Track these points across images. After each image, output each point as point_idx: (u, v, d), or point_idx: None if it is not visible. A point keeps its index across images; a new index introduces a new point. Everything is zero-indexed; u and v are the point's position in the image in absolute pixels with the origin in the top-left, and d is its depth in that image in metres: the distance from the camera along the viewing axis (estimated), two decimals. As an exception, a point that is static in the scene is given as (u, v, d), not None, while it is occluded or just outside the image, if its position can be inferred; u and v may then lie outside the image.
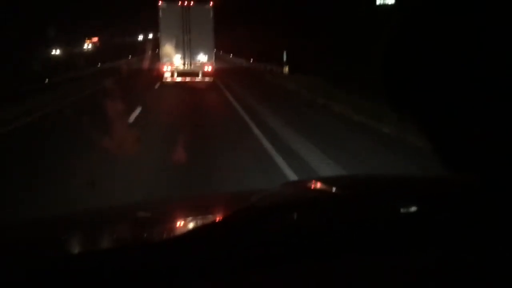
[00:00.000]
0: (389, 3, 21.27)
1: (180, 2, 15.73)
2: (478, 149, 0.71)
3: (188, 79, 16.20)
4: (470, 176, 0.81)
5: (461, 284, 0.67)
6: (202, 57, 16.16)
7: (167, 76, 16.19)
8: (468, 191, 0.88)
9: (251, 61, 30.39)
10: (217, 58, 33.02)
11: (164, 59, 16.13)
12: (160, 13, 15.78)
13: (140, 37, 72.28)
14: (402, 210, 0.99)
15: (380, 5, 22.29)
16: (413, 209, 1.01)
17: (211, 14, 15.87)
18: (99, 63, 29.50)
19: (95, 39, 60.21)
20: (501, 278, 0.67)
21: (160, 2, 15.74)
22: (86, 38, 56.60)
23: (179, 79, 16.21)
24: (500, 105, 0.64)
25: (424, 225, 0.81)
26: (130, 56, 38.32)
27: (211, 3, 15.91)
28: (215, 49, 18.13)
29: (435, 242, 0.76)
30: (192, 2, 15.80)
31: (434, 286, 0.68)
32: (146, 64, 26.02)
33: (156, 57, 20.05)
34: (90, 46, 56.87)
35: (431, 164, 1.01)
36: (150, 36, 75.89)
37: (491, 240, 0.74)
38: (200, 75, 16.22)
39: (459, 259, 0.72)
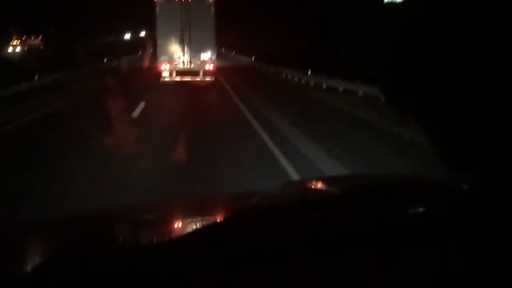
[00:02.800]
0: (397, 0, 20.76)
1: None
2: (478, 149, 0.65)
3: (188, 78, 15.51)
4: (470, 176, 0.77)
5: (462, 285, 0.69)
6: (203, 55, 15.42)
7: (166, 75, 15.50)
8: (468, 191, 0.87)
9: (310, 74, 17.37)
10: (231, 62, 27.14)
11: (162, 58, 15.40)
12: (157, 9, 14.99)
13: (127, 36, 61.61)
14: (402, 210, 0.96)
15: (388, 3, 21.85)
16: (414, 209, 0.98)
17: (213, 9, 15.13)
18: (36, 76, 16.18)
19: (32, 40, 38.13)
20: (501, 279, 0.68)
21: None
22: (14, 38, 35.50)
23: (178, 78, 15.52)
24: (501, 104, 0.60)
25: (425, 225, 0.82)
26: (106, 59, 28.81)
27: None
28: (223, 48, 17.45)
29: (435, 243, 0.76)
30: None
31: (435, 286, 0.69)
32: (129, 72, 19.34)
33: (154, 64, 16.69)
34: (18, 49, 34.49)
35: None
36: (143, 34, 65.52)
37: (491, 241, 0.74)
38: (201, 74, 15.53)
39: (460, 260, 0.73)
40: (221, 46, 38.87)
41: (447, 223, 0.81)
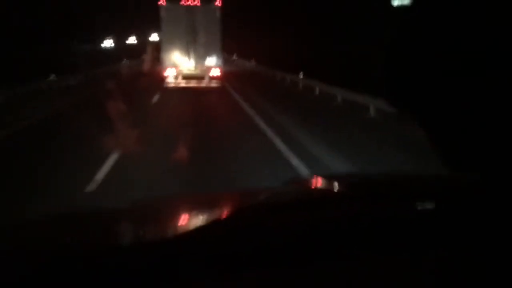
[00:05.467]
0: (407, 3, 20.52)
1: (183, 0, 14.78)
2: (478, 149, 0.65)
3: (193, 83, 15.37)
4: (470, 176, 0.77)
5: (463, 284, 0.69)
6: (208, 60, 15.28)
7: (170, 80, 15.37)
8: (468, 191, 0.87)
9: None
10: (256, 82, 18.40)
11: (167, 62, 15.27)
12: (162, 13, 14.87)
13: (110, 43, 50.77)
14: (404, 209, 0.94)
15: (398, 7, 21.64)
16: (415, 208, 0.97)
17: (218, 13, 15.03)
18: None
19: None
20: (501, 279, 0.68)
21: (162, 0, 14.76)
22: None
23: (183, 83, 15.36)
24: (501, 104, 0.60)
25: (426, 224, 0.82)
26: (53, 75, 16.77)
27: (219, 1, 14.92)
28: (233, 55, 16.71)
29: (436, 242, 0.76)
30: (197, 1, 14.83)
31: (435, 286, 0.69)
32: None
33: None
34: None
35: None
36: (132, 40, 56.15)
37: (491, 241, 0.74)
38: (206, 79, 15.38)
39: (460, 259, 0.73)
40: (231, 52, 35.24)
41: (448, 222, 0.81)
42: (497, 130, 0.60)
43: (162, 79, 15.51)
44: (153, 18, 14.91)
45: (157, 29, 15.24)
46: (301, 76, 17.35)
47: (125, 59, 30.97)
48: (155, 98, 13.55)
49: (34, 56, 22.03)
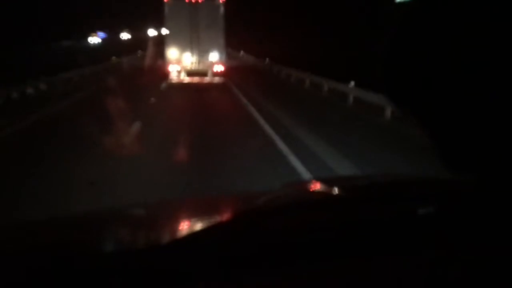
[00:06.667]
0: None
1: None
2: (478, 149, 0.64)
3: (196, 79, 15.42)
4: (470, 176, 0.74)
5: (463, 284, 0.68)
6: (211, 56, 15.31)
7: (174, 76, 15.43)
8: (468, 191, 0.86)
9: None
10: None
11: (170, 58, 15.33)
12: (166, 9, 14.88)
13: (95, 40, 46.17)
14: (402, 211, 0.94)
15: (400, 3, 21.65)
16: (413, 210, 0.96)
17: (222, 10, 15.03)
18: None
19: None
20: (501, 278, 0.67)
21: None
22: None
23: (186, 79, 15.42)
24: (501, 104, 0.59)
25: (425, 226, 0.82)
26: None
27: None
28: (241, 52, 16.25)
29: (435, 243, 0.76)
30: None
31: (435, 286, 0.69)
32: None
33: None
34: None
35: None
36: (124, 35, 53.20)
37: (492, 240, 0.74)
38: (209, 75, 15.43)
39: (460, 260, 0.73)
40: (238, 49, 34.65)
41: (448, 223, 0.82)
42: (496, 130, 0.60)
43: (162, 78, 15.50)
44: (151, 13, 14.57)
45: (155, 24, 15.11)
46: (351, 85, 12.36)
47: (114, 57, 26.23)
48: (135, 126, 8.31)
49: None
